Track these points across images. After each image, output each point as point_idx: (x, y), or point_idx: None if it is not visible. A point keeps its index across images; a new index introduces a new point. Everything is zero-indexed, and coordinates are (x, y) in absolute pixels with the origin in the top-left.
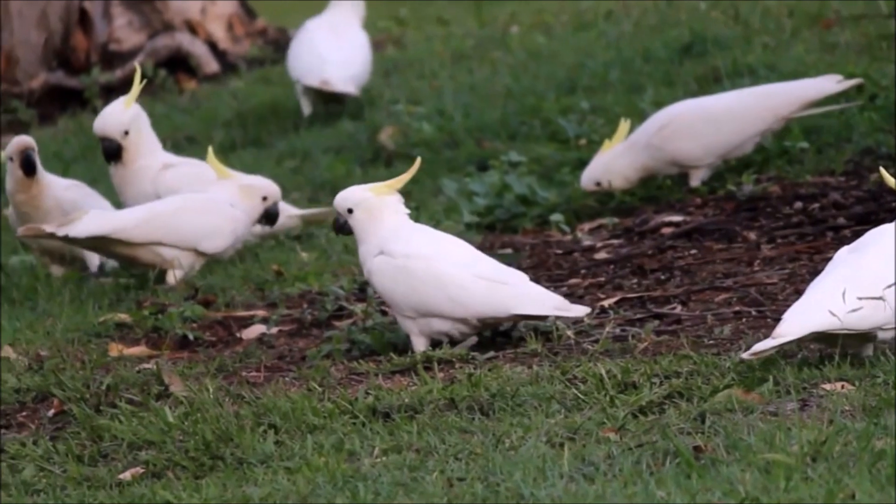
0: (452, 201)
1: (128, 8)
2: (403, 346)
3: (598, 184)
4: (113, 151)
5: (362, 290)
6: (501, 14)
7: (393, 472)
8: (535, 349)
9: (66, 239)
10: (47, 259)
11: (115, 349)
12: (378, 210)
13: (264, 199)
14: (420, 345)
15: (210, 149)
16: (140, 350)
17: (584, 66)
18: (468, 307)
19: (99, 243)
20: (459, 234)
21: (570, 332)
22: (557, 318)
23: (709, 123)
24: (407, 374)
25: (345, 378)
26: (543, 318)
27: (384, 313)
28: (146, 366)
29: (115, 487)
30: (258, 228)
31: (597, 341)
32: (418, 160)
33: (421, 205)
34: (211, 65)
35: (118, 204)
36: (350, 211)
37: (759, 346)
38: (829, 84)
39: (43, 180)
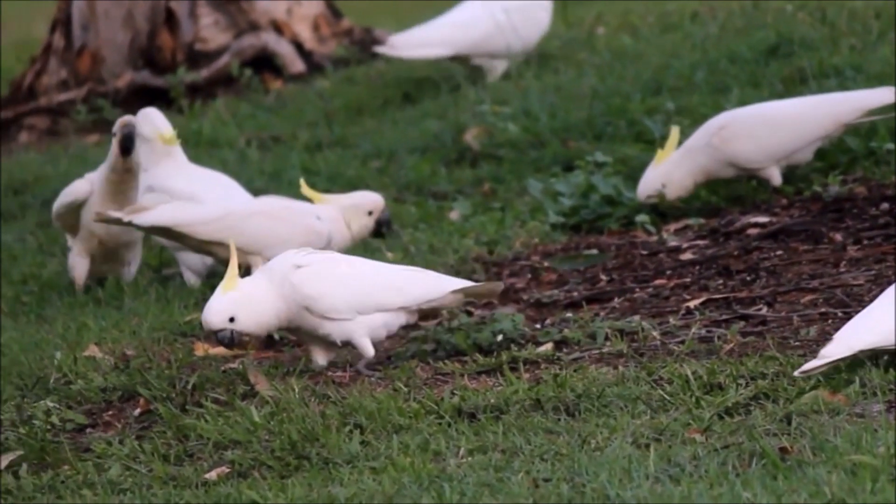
0: (538, 201)
1: (214, 8)
2: (489, 347)
3: (654, 195)
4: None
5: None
6: (588, 15)
7: (479, 472)
8: (621, 350)
9: (133, 225)
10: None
11: (200, 348)
12: None
13: (370, 213)
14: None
15: (302, 180)
16: (225, 350)
17: (670, 67)
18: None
19: (167, 235)
20: (545, 235)
21: (655, 333)
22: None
23: (767, 126)
24: (493, 375)
25: (430, 378)
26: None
27: (469, 313)
28: (232, 365)
29: (201, 487)
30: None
31: (682, 342)
32: None
33: (506, 205)
34: (296, 64)
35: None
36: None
37: (808, 366)
38: (888, 95)
39: (137, 163)
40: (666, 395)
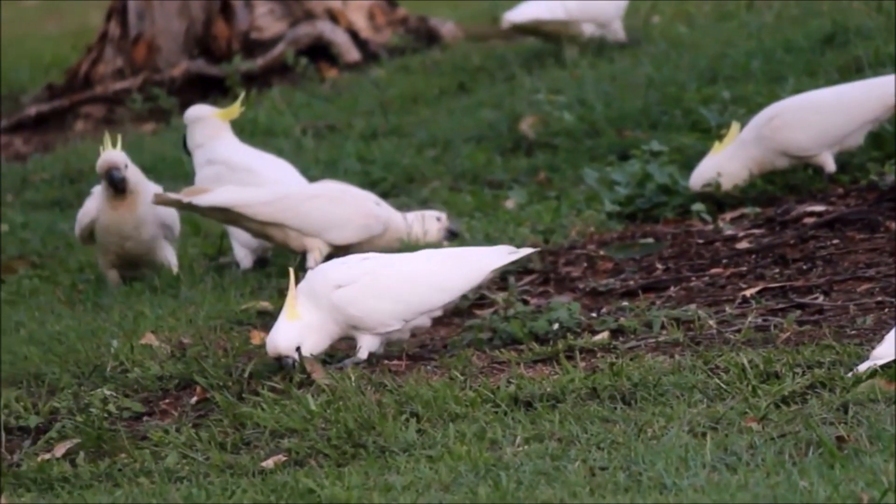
0: (593, 190)
1: None
2: (545, 336)
3: (708, 185)
4: None
5: (503, 278)
6: (643, 4)
7: (535, 460)
8: (677, 338)
9: (191, 207)
10: (110, 260)
11: (257, 337)
12: None
13: (438, 219)
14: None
15: None
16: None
17: (726, 56)
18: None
19: (225, 216)
20: (601, 224)
21: (711, 322)
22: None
23: (817, 113)
24: (549, 364)
25: (486, 367)
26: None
27: (525, 302)
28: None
29: (258, 475)
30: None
31: (739, 331)
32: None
33: (562, 194)
34: (352, 53)
35: None
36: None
37: (861, 368)
38: None
39: (137, 190)
40: (722, 384)
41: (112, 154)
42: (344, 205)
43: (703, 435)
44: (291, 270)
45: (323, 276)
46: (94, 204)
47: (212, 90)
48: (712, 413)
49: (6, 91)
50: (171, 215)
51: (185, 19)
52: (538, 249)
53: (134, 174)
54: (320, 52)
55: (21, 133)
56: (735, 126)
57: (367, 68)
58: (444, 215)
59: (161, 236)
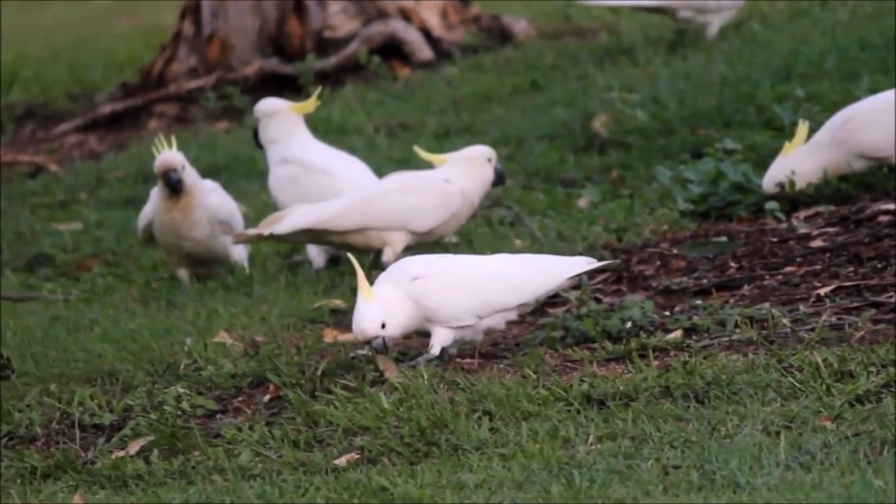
0: (666, 189)
1: None
2: (618, 334)
3: (780, 186)
4: None
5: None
6: None
7: (608, 459)
8: (751, 337)
9: (274, 237)
10: (176, 260)
11: (329, 335)
12: None
13: (489, 160)
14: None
15: (416, 147)
16: (354, 336)
17: (800, 54)
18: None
19: (307, 236)
20: (674, 222)
21: (785, 321)
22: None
23: (892, 113)
24: (622, 362)
25: (559, 365)
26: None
27: (598, 300)
28: (361, 352)
29: (331, 472)
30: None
31: (813, 329)
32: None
33: (635, 192)
34: (424, 52)
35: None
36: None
37: None
38: None
39: (193, 192)
40: (796, 383)
41: (169, 155)
42: (420, 191)
43: (777, 434)
44: (351, 256)
45: (401, 269)
46: (151, 206)
47: (285, 89)
48: (786, 412)
49: (80, 89)
50: (229, 211)
51: (259, 18)
52: (618, 262)
53: (190, 175)
54: (393, 50)
55: (95, 131)
56: (803, 126)
57: (440, 67)
58: (493, 152)
59: (220, 234)
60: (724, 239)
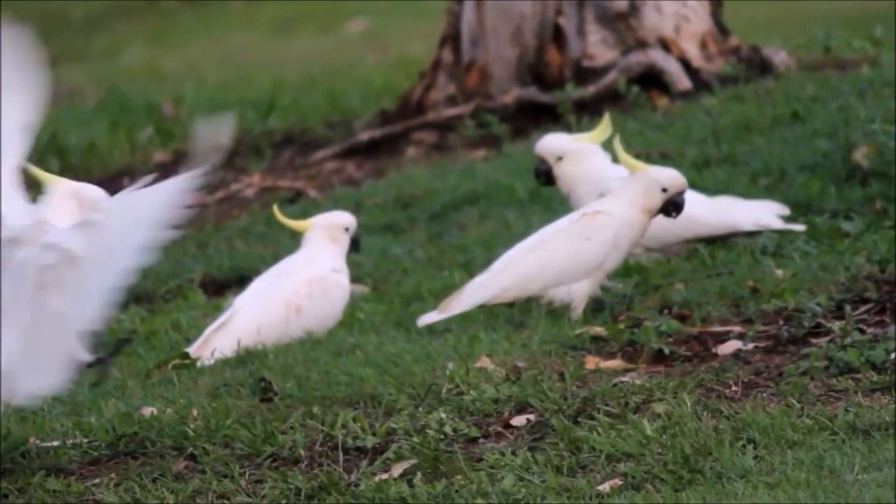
0: None
1: (602, 25)
2: (882, 364)
3: None
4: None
5: (839, 307)
6: None
7: (874, 489)
8: None
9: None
10: None
11: (591, 362)
12: None
13: (664, 190)
14: None
15: (619, 147)
16: (616, 363)
17: None
18: None
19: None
20: None
21: None
22: None
23: None
24: (886, 392)
25: (823, 395)
26: None
27: (861, 331)
28: (623, 379)
29: (595, 498)
30: None
31: None
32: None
33: None
34: (683, 82)
35: None
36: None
37: None
38: None
39: None
40: None
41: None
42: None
43: None
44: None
45: None
46: None
47: (543, 117)
48: None
49: (338, 117)
50: None
51: (518, 47)
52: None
53: None
54: (651, 80)
55: (353, 158)
56: None
57: (699, 97)
58: (677, 184)
59: None
60: None
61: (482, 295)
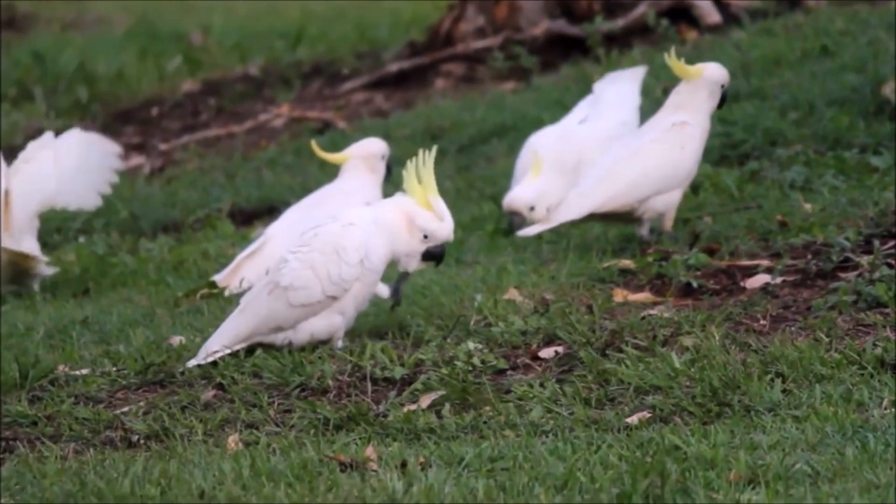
0: None
1: None
2: None
3: None
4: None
5: (868, 241)
6: None
7: None
8: None
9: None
10: None
11: (619, 295)
12: None
13: (722, 86)
14: None
15: (672, 57)
16: (644, 296)
17: None
18: None
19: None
20: None
21: None
22: None
23: None
24: None
25: (851, 329)
26: None
27: (890, 266)
28: (651, 312)
29: (623, 431)
30: None
31: None
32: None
33: None
34: (713, 16)
35: None
36: None
37: None
38: None
39: None
40: None
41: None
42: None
43: None
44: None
45: None
46: None
47: (572, 50)
48: None
49: (367, 48)
50: None
51: None
52: None
53: None
54: (681, 13)
55: (382, 89)
56: None
57: (728, 31)
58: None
59: None
60: None
61: (586, 205)
